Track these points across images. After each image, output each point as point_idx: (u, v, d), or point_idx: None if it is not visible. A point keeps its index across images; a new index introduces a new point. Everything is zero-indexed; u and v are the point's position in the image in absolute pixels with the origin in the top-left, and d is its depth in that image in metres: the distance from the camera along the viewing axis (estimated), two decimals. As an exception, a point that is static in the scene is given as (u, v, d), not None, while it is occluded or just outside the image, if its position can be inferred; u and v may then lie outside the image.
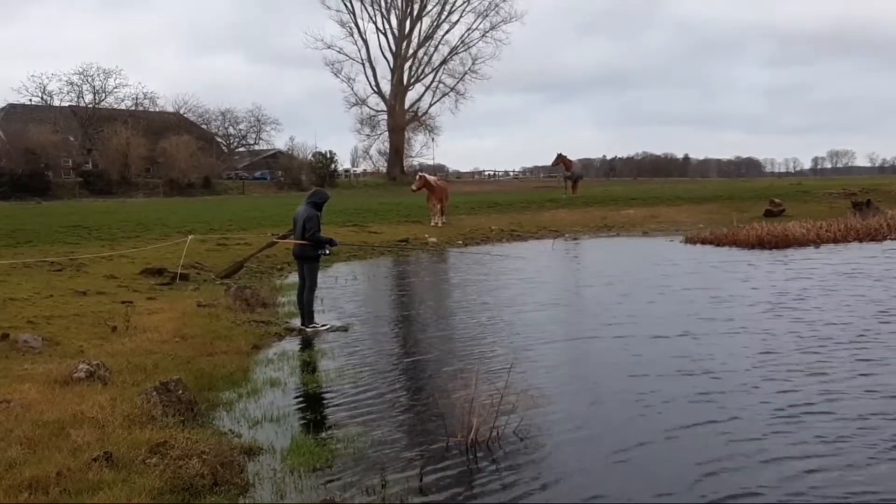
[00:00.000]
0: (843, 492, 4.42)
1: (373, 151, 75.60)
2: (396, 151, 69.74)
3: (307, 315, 9.61)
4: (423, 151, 74.70)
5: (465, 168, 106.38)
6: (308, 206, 9.64)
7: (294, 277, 13.41)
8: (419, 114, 70.99)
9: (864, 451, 5.01)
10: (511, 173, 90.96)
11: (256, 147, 77.60)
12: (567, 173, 37.04)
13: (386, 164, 72.71)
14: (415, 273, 16.40)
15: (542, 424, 5.64)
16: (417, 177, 26.94)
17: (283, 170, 65.48)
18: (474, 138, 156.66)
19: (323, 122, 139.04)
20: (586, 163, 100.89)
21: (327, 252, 9.74)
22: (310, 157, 66.38)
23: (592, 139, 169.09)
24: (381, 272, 16.41)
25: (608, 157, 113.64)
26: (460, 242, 22.25)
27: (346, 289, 13.38)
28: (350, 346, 8.64)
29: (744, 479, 4.57)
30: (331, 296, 12.27)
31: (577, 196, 35.79)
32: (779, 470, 4.71)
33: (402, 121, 69.25)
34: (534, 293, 12.41)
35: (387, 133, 71.03)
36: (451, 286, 13.99)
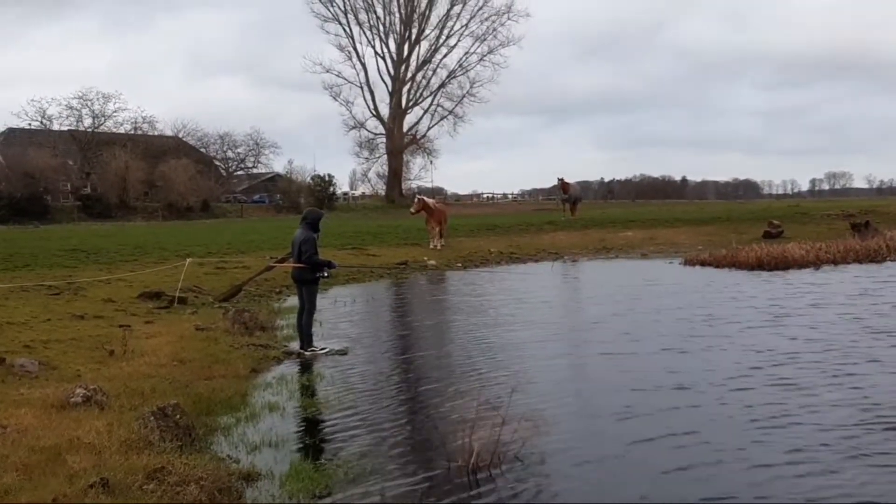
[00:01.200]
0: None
1: (371, 174, 75.93)
2: (395, 174, 70.05)
3: (306, 338, 9.59)
4: (422, 174, 75.42)
5: (463, 191, 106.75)
6: (304, 229, 9.64)
7: (293, 301, 13.35)
8: (417, 137, 71.36)
9: (837, 456, 5.05)
10: (510, 196, 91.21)
11: (255, 170, 77.91)
12: (564, 196, 37.26)
13: (384, 187, 72.96)
14: (414, 296, 16.39)
15: (544, 448, 5.60)
16: (416, 199, 27.04)
17: (282, 193, 65.70)
18: (473, 161, 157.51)
19: (322, 145, 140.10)
20: (585, 185, 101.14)
21: (325, 275, 9.72)
22: (308, 180, 66.60)
23: (591, 161, 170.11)
24: (380, 295, 16.42)
25: (606, 180, 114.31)
26: (459, 265, 22.27)
27: (344, 312, 13.37)
28: (349, 369, 8.62)
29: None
30: (330, 319, 12.26)
31: (577, 218, 35.88)
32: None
33: (400, 144, 69.63)
34: (533, 314, 12.41)
35: (385, 156, 71.37)
36: (451, 309, 14.00)
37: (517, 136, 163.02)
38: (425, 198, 27.92)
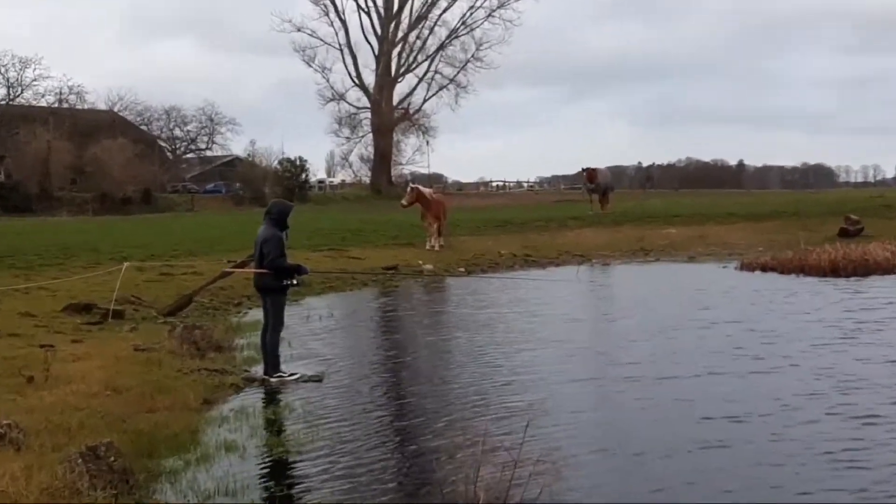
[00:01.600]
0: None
1: (353, 158, 76.21)
2: (383, 157, 70.27)
3: (271, 361, 9.64)
4: (416, 157, 75.39)
5: (468, 178, 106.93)
6: (268, 225, 9.69)
7: (256, 314, 13.31)
8: (411, 111, 71.73)
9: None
10: (525, 184, 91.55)
11: (209, 153, 78.19)
12: (591, 185, 37.36)
13: (369, 174, 73.23)
14: (406, 308, 16.43)
15: (565, 496, 5.62)
16: (409, 189, 27.14)
17: (242, 181, 65.81)
18: (479, 141, 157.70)
19: (292, 121, 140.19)
20: (617, 171, 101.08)
21: (295, 283, 9.73)
22: (275, 164, 66.78)
23: (625, 142, 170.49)
24: (364, 307, 16.47)
25: (644, 165, 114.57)
26: (462, 270, 22.33)
27: (320, 328, 13.42)
28: (325, 399, 8.66)
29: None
30: (301, 337, 12.32)
31: (607, 212, 36.02)
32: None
33: (389, 120, 69.90)
34: (552, 331, 12.54)
35: (370, 135, 71.67)
36: (451, 324, 14.04)
37: (533, 110, 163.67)
38: (420, 187, 28.00)
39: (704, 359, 10.03)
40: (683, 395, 8.36)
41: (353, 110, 71.61)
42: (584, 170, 38.09)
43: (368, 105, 70.57)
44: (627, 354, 10.57)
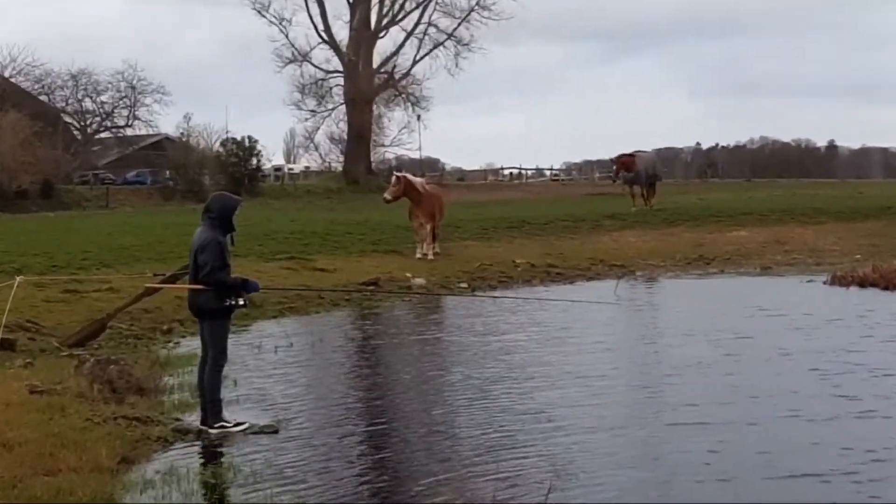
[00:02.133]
0: None
1: (321, 137, 76.01)
2: (359, 137, 69.93)
3: (211, 407, 9.67)
4: (404, 137, 74.87)
5: (472, 164, 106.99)
6: (207, 227, 9.76)
7: (191, 344, 13.29)
8: (396, 76, 71.66)
9: None
10: (547, 173, 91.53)
11: (130, 132, 78.06)
12: (629, 174, 37.42)
13: (342, 159, 73.13)
14: (389, 336, 16.44)
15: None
16: (394, 178, 27.00)
17: (174, 168, 65.56)
18: (487, 116, 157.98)
19: (239, 90, 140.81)
20: (669, 155, 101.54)
21: (241, 303, 9.74)
22: (217, 146, 66.69)
23: (679, 117, 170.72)
24: (334, 335, 16.48)
25: (704, 147, 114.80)
26: (464, 285, 22.38)
27: (275, 363, 13.43)
28: (281, 457, 8.66)
29: None
30: (251, 374, 12.34)
31: (654, 208, 36.13)
32: None
33: (368, 87, 69.62)
34: (579, 364, 12.61)
35: (343, 108, 71.58)
36: (448, 356, 14.10)
37: (559, 75, 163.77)
38: (409, 176, 27.93)
39: (782, 400, 10.15)
40: (754, 446, 8.41)
41: (320, 75, 71.38)
42: (616, 160, 38.26)
43: (340, 68, 70.38)
44: (679, 393, 10.69)
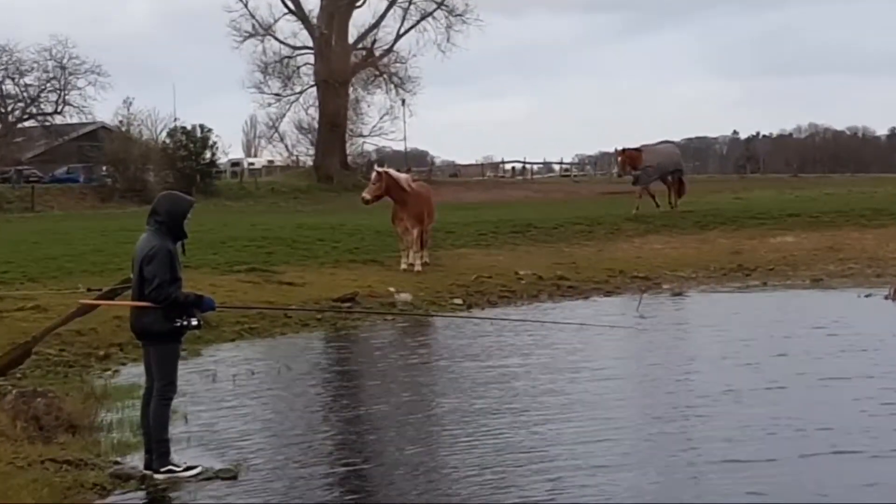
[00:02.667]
0: None
1: (287, 126, 76.06)
2: (333, 125, 69.83)
3: (157, 448, 9.62)
4: (386, 126, 75.04)
5: (467, 157, 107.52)
6: (153, 233, 9.74)
7: (133, 373, 13.30)
8: (376, 53, 71.59)
9: None
10: (557, 167, 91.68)
11: (59, 120, 77.94)
12: (635, 171, 37.39)
13: (313, 151, 73.04)
14: (368, 362, 16.49)
15: None
16: (375, 174, 26.79)
17: (112, 163, 65.42)
18: (485, 100, 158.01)
19: (190, 71, 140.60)
20: (700, 146, 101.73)
21: (193, 323, 9.72)
22: (163, 137, 66.74)
23: (713, 101, 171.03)
24: (303, 361, 16.37)
25: (742, 136, 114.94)
26: (458, 301, 22.31)
27: (232, 394, 13.42)
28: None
29: None
30: (205, 409, 12.31)
31: (682, 209, 36.18)
32: None
33: (343, 66, 69.50)
34: (593, 395, 12.62)
35: (314, 91, 71.65)
36: (436, 385, 14.14)
37: (572, 52, 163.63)
38: (393, 171, 27.84)
39: (830, 434, 10.19)
40: (802, 486, 8.48)
41: (285, 52, 71.51)
42: (620, 153, 38.27)
43: (310, 44, 70.42)
44: (711, 427, 10.71)
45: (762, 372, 13.84)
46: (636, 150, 37.83)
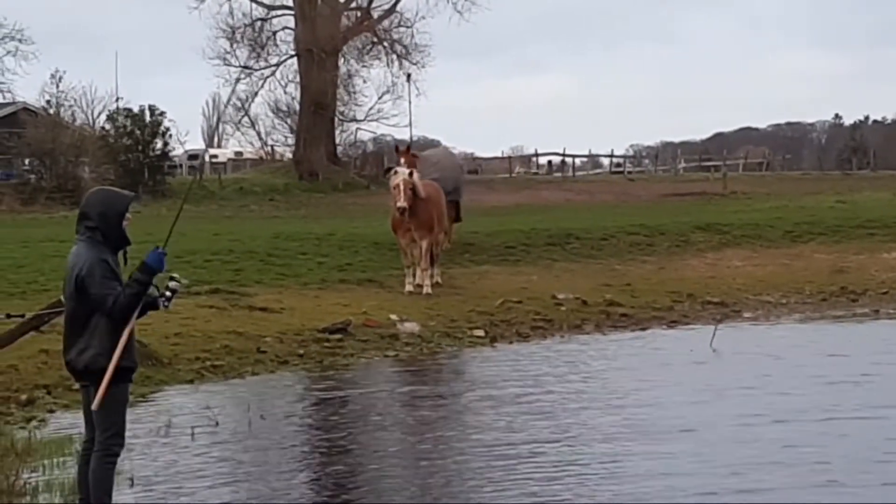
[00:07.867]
0: None
1: (259, 107, 76.01)
2: (318, 107, 69.67)
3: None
4: (386, 108, 74.77)
5: (489, 150, 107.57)
6: (85, 244, 9.62)
7: (65, 421, 13.56)
8: (374, 15, 71.49)
9: None
10: (606, 161, 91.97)
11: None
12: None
13: (293, 140, 73.21)
14: (361, 410, 16.48)
15: None
16: (393, 173, 26.56)
17: (37, 154, 65.67)
18: (514, 77, 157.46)
19: (135, 38, 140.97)
20: (791, 135, 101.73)
21: (174, 285, 9.83)
22: (103, 122, 66.91)
23: (806, 77, 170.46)
24: (279, 409, 16.43)
25: (846, 122, 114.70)
26: (480, 334, 22.32)
27: (192, 450, 13.43)
28: None
29: None
30: (158, 468, 12.40)
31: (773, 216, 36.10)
32: None
33: (331, 32, 69.42)
34: (646, 455, 12.91)
35: (294, 62, 71.69)
36: (450, 440, 14.14)
37: (625, 17, 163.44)
38: (411, 171, 26.54)
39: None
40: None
41: (258, 13, 71.31)
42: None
43: (290, 3, 70.51)
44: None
45: (857, 420, 14.11)
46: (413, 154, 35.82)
